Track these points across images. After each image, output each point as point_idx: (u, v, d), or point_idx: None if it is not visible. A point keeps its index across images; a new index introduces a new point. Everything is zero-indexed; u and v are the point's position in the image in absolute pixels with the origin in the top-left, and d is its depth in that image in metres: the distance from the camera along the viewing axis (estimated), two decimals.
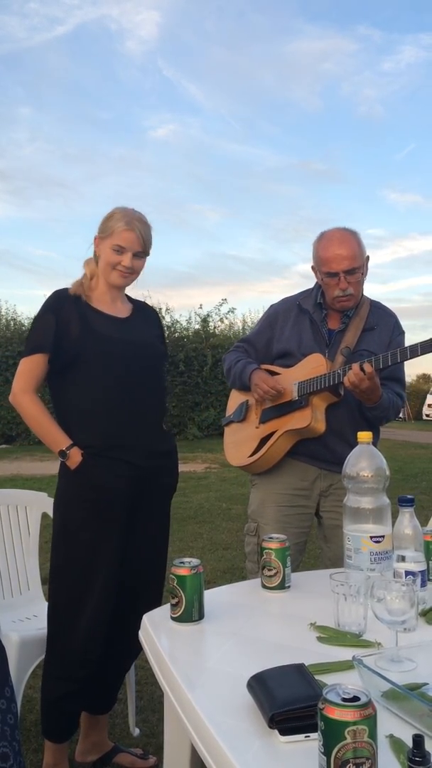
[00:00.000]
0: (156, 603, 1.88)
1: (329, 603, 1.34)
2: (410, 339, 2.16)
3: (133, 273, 2.02)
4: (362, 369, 1.94)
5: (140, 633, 1.40)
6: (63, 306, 1.96)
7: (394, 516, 1.52)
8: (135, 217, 1.99)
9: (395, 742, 0.88)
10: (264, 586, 1.57)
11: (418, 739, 0.77)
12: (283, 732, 0.90)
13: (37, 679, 2.00)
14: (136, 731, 2.33)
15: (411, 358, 1.92)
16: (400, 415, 24.10)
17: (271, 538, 1.58)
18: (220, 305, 14.79)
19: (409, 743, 0.78)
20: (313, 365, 2.13)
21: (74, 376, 1.94)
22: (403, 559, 1.45)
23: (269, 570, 1.56)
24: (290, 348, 2.22)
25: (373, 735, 0.77)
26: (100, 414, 1.93)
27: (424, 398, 25.83)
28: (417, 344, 1.89)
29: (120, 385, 1.94)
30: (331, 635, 1.28)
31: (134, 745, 2.23)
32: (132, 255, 1.98)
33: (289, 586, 1.57)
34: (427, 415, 24.49)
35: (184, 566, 1.37)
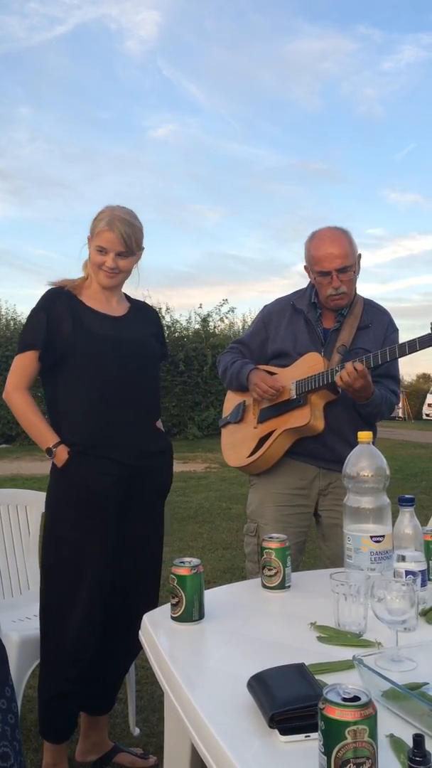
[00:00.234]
0: (152, 603, 1.88)
1: (329, 603, 1.34)
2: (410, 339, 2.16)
3: (120, 273, 2.00)
4: (354, 368, 1.94)
5: (140, 633, 1.40)
6: (55, 304, 1.96)
7: (394, 516, 1.53)
8: (117, 217, 1.95)
9: (395, 742, 0.88)
10: (264, 586, 1.57)
11: (418, 739, 0.77)
12: (284, 732, 0.90)
13: (37, 679, 2.00)
14: (137, 731, 2.33)
15: (400, 356, 1.94)
16: (400, 414, 24.14)
17: (271, 537, 1.58)
18: (221, 305, 14.82)
19: (410, 743, 0.78)
20: (310, 364, 2.14)
21: (65, 373, 1.94)
22: (403, 558, 1.45)
23: (269, 570, 1.56)
24: (286, 348, 2.22)
25: (373, 735, 0.77)
26: (88, 412, 1.92)
27: (424, 398, 25.87)
28: (405, 343, 1.92)
29: (110, 383, 1.93)
30: (332, 635, 1.28)
31: (134, 744, 2.23)
32: (115, 255, 1.96)
33: (289, 586, 1.57)
34: (427, 415, 24.50)
35: (184, 566, 1.36)
